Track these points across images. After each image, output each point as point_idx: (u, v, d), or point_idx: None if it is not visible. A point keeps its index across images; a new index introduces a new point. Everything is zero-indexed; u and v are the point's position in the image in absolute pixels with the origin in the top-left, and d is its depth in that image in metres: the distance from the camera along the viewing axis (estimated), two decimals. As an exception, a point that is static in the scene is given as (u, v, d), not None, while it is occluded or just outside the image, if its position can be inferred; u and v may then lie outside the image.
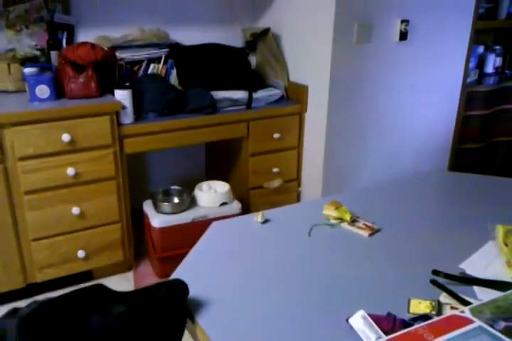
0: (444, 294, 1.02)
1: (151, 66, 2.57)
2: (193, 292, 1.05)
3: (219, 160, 2.94)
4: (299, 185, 2.81)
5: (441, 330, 0.77)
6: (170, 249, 2.35)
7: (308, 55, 2.54)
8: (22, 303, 2.24)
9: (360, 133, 2.66)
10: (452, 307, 0.97)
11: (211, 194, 2.45)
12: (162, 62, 2.58)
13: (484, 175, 1.74)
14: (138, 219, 2.62)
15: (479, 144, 3.41)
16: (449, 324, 0.78)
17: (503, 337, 0.76)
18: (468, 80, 3.14)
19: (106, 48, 2.36)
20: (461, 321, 0.79)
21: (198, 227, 2.35)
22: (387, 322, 0.91)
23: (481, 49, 3.54)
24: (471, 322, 0.79)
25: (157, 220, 2.32)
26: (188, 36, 2.75)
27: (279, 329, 0.95)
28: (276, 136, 2.61)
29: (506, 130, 3.49)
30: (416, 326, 0.79)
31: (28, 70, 2.13)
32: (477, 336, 0.75)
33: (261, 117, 2.53)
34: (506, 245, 1.16)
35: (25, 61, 2.31)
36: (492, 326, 0.78)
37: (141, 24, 2.60)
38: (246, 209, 2.63)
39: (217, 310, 1.00)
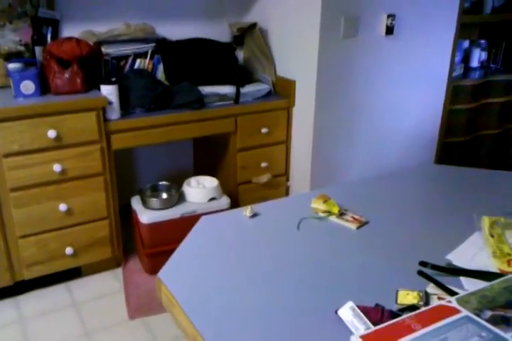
0: (432, 285, 1.03)
1: (138, 61, 2.55)
2: (182, 287, 1.05)
3: (207, 156, 2.93)
4: (287, 179, 2.82)
5: (429, 320, 0.78)
6: (159, 244, 2.35)
7: (295, 50, 2.54)
8: (9, 301, 2.22)
9: (348, 127, 2.67)
10: (439, 298, 0.98)
11: (200, 189, 2.44)
12: (148, 57, 2.57)
13: (470, 168, 1.75)
14: (126, 215, 2.62)
15: (465, 138, 3.44)
16: (436, 314, 0.79)
17: (488, 325, 0.77)
18: (454, 74, 3.16)
19: (91, 43, 2.34)
20: (448, 311, 0.80)
21: (187, 223, 2.34)
22: (375, 313, 0.92)
23: (466, 43, 3.57)
24: (457, 311, 0.80)
25: (145, 216, 2.31)
26: (175, 31, 2.73)
27: (268, 321, 0.95)
28: (264, 130, 2.61)
29: (491, 123, 3.52)
30: (403, 316, 0.80)
31: (12, 66, 2.10)
32: (464, 325, 0.76)
33: (249, 112, 2.53)
34: (492, 236, 1.17)
35: (10, 56, 2.29)
36: (478, 315, 0.79)
37: (127, 19, 2.58)
38: (235, 205, 2.63)
39: (206, 304, 1.00)
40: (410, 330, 0.75)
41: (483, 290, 0.86)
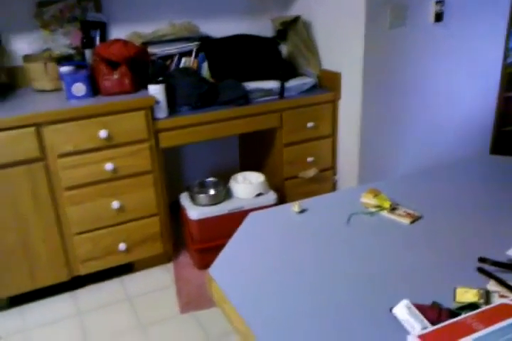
0: (492, 282, 0.99)
1: (183, 60, 2.58)
2: (233, 283, 1.06)
3: (253, 151, 2.94)
4: (334, 173, 2.78)
5: (491, 319, 0.74)
6: (208, 240, 2.37)
7: (340, 42, 2.50)
8: (66, 296, 2.30)
9: (396, 120, 2.61)
10: (501, 296, 0.94)
11: (246, 185, 2.45)
12: (193, 56, 2.59)
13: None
14: (175, 211, 2.66)
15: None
16: (499, 313, 0.76)
17: (556, 325, 0.73)
18: (508, 60, 3.02)
19: (138, 44, 2.38)
20: (511, 310, 0.76)
21: (235, 218, 2.36)
22: (432, 312, 0.89)
23: (520, 28, 3.40)
24: (521, 310, 0.76)
25: (194, 212, 2.34)
26: (218, 28, 2.74)
27: (321, 319, 0.94)
28: (309, 124, 2.58)
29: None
30: (464, 315, 0.77)
31: (64, 69, 2.17)
32: (529, 325, 0.73)
33: (294, 106, 2.51)
34: (556, 230, 1.11)
35: (61, 60, 2.35)
36: (544, 314, 0.75)
37: (171, 18, 2.61)
38: (281, 200, 2.63)
39: (257, 300, 1.00)
40: (471, 330, 0.72)
41: (548, 288, 0.82)
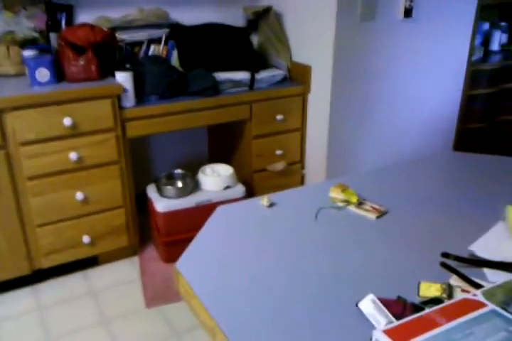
0: (455, 277, 1.01)
1: (152, 47, 2.52)
2: (200, 277, 1.04)
3: (222, 143, 2.91)
4: (302, 167, 2.79)
5: (454, 314, 0.75)
6: (174, 233, 2.35)
7: (311, 34, 2.49)
8: (28, 290, 2.24)
9: (365, 114, 2.63)
10: (463, 290, 0.96)
11: (215, 177, 2.43)
12: (163, 43, 2.54)
13: (490, 155, 1.71)
14: (142, 203, 2.62)
15: (484, 124, 3.38)
16: (462, 307, 0.77)
17: (516, 320, 0.74)
18: (474, 58, 3.08)
19: (105, 29, 2.31)
20: (473, 304, 0.78)
21: (203, 211, 2.34)
22: (397, 306, 0.90)
23: (486, 26, 3.48)
24: (483, 305, 0.77)
25: (161, 204, 2.31)
26: (189, 15, 2.70)
27: (287, 313, 0.94)
28: (279, 117, 2.57)
29: (511, 109, 3.45)
30: (428, 310, 0.77)
31: (27, 53, 2.09)
32: (490, 320, 0.74)
33: (264, 99, 2.50)
34: (517, 226, 1.14)
35: (25, 43, 2.27)
36: (505, 309, 0.77)
37: (141, 3, 2.55)
38: (250, 193, 2.62)
39: (225, 295, 0.99)
40: (435, 324, 0.73)
41: (509, 283, 0.84)
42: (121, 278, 2.33)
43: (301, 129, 2.69)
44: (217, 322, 0.92)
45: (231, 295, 0.99)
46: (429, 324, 0.73)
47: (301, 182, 2.82)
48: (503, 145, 3.55)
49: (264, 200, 1.35)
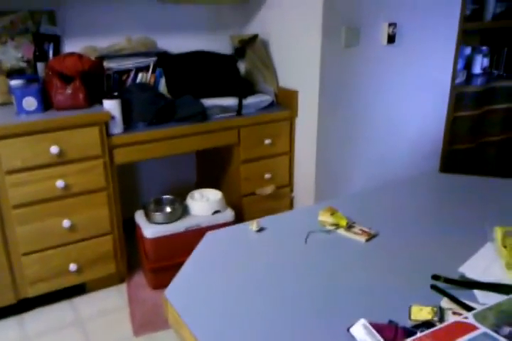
0: (446, 299, 1.00)
1: (140, 75, 2.54)
2: (190, 306, 1.03)
3: (210, 168, 2.92)
4: (291, 190, 2.79)
5: (445, 338, 0.75)
6: (163, 259, 2.32)
7: (297, 60, 2.53)
8: (13, 320, 2.19)
9: (352, 137, 2.65)
10: (454, 313, 0.95)
11: (203, 202, 2.42)
12: (150, 71, 2.56)
13: (477, 176, 1.73)
14: (130, 229, 2.59)
15: (470, 145, 3.42)
16: (453, 331, 0.76)
17: (508, 342, 0.74)
18: (457, 81, 3.14)
19: (93, 58, 2.34)
20: (465, 328, 0.77)
21: (192, 236, 2.32)
22: (389, 331, 0.89)
23: (468, 50, 3.56)
24: (475, 328, 0.77)
25: (149, 231, 2.29)
26: (176, 44, 2.73)
27: (279, 338, 0.92)
28: (267, 141, 2.59)
29: (496, 130, 3.50)
30: (419, 335, 0.77)
31: (14, 82, 2.10)
32: (482, 343, 0.74)
33: (251, 124, 2.52)
34: (505, 247, 1.14)
35: (12, 73, 2.28)
36: (497, 332, 0.76)
37: (128, 33, 2.58)
38: (239, 217, 2.61)
39: (215, 324, 0.97)
40: (427, 349, 0.72)
41: (500, 305, 0.83)
42: (108, 306, 2.28)
43: (289, 153, 2.70)
44: (206, 351, 0.90)
45: (222, 324, 0.97)
46: (421, 348, 0.72)
47: (290, 205, 2.82)
48: (488, 165, 3.59)
49: (253, 225, 1.34)
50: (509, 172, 3.68)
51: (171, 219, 2.34)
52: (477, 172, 3.52)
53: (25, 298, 2.19)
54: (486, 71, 3.65)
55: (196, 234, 2.33)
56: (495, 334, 0.75)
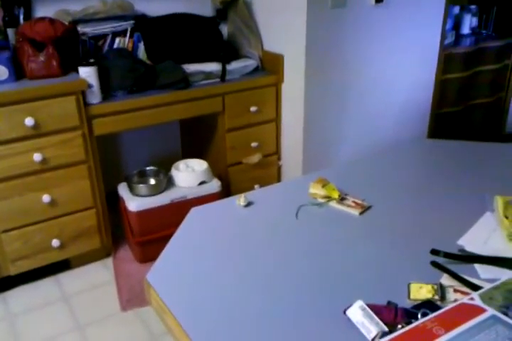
0: (446, 275, 0.96)
1: (117, 40, 2.41)
2: (174, 290, 0.97)
3: (195, 138, 2.82)
4: (279, 158, 2.73)
5: (452, 322, 0.70)
6: (149, 232, 2.26)
7: (282, 22, 2.41)
8: (-3, 298, 2.14)
9: (339, 102, 2.57)
10: (456, 290, 0.91)
11: (189, 173, 2.34)
12: (128, 36, 2.43)
13: (467, 141, 1.67)
14: (113, 202, 2.52)
15: (458, 107, 3.36)
16: (459, 314, 0.71)
17: (517, 325, 0.69)
18: (446, 42, 3.05)
19: (66, 23, 2.20)
20: (471, 310, 0.72)
21: (177, 208, 2.26)
22: (388, 313, 0.84)
23: (456, 9, 3.44)
24: (482, 310, 0.72)
25: (134, 203, 2.22)
26: (155, 6, 2.58)
27: (269, 325, 0.87)
28: (253, 109, 2.50)
29: (484, 92, 3.44)
30: (423, 319, 0.72)
31: (-19, 50, 1.97)
32: (492, 326, 0.69)
33: (236, 90, 2.42)
34: (507, 217, 1.09)
35: (-21, 40, 2.14)
36: (506, 314, 0.71)
37: (102, -5, 2.42)
38: (226, 187, 2.55)
39: (200, 309, 0.92)
40: (433, 336, 0.67)
41: (506, 284, 0.79)
42: (94, 281, 2.24)
43: (276, 120, 2.62)
44: (184, 328, 0.84)
45: (208, 309, 0.91)
46: (426, 335, 0.67)
47: (278, 173, 2.76)
48: (476, 128, 3.55)
49: (240, 200, 1.27)
50: (497, 136, 3.65)
51: (156, 191, 2.27)
52: (465, 135, 3.48)
53: (8, 275, 2.13)
54: (474, 31, 3.55)
55: (182, 206, 2.27)
56: (504, 317, 0.71)
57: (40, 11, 2.34)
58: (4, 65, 1.98)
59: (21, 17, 2.28)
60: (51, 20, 2.07)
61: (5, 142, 1.93)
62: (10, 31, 2.19)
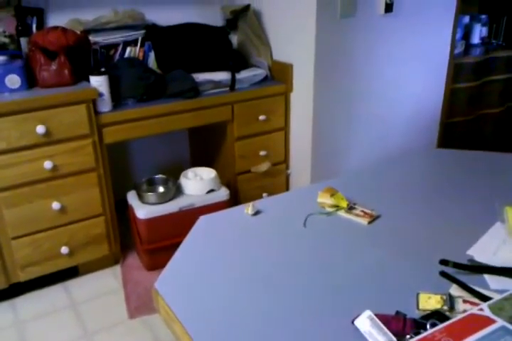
0: (455, 286, 0.95)
1: (128, 49, 2.44)
2: (182, 299, 0.97)
3: (204, 146, 2.84)
4: (287, 167, 2.73)
5: (461, 333, 0.69)
6: (157, 240, 2.27)
7: (291, 32, 2.43)
8: (5, 304, 2.14)
9: (348, 111, 2.57)
10: (465, 301, 0.90)
11: (197, 181, 2.35)
12: (139, 45, 2.45)
13: (477, 151, 1.66)
14: (122, 210, 2.53)
15: (467, 117, 3.35)
16: (468, 325, 0.71)
17: (527, 336, 0.69)
18: (455, 52, 3.05)
19: (78, 32, 2.23)
20: (481, 321, 0.72)
21: (186, 216, 2.27)
22: (396, 323, 0.84)
23: (466, 19, 3.45)
24: (492, 321, 0.71)
25: (142, 211, 2.23)
26: (165, 16, 2.61)
27: (278, 332, 0.87)
28: (261, 117, 2.51)
29: (494, 101, 3.43)
30: (432, 330, 0.71)
31: (-4, 59, 2.00)
32: (501, 338, 0.68)
33: (245, 99, 2.43)
34: (516, 229, 1.09)
35: (-7, 49, 2.17)
36: (515, 325, 0.71)
37: (115, 5, 2.46)
38: (234, 195, 2.55)
39: (209, 317, 0.92)
40: (441, 347, 0.67)
41: (516, 295, 0.78)
42: (103, 289, 2.24)
43: (285, 129, 2.63)
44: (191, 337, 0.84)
45: (216, 318, 0.91)
46: (434, 346, 0.67)
47: (287, 182, 2.76)
48: (486, 138, 3.53)
49: (248, 209, 1.27)
50: (507, 145, 3.63)
51: (164, 199, 2.28)
52: (475, 145, 3.47)
53: (17, 282, 2.14)
54: (484, 41, 3.55)
55: (190, 214, 2.27)
56: (513, 328, 0.70)
57: (53, 21, 2.37)
58: (17, 73, 2.00)
59: (34, 26, 2.30)
60: (63, 30, 2.10)
61: (16, 149, 1.94)
62: (23, 40, 2.21)
